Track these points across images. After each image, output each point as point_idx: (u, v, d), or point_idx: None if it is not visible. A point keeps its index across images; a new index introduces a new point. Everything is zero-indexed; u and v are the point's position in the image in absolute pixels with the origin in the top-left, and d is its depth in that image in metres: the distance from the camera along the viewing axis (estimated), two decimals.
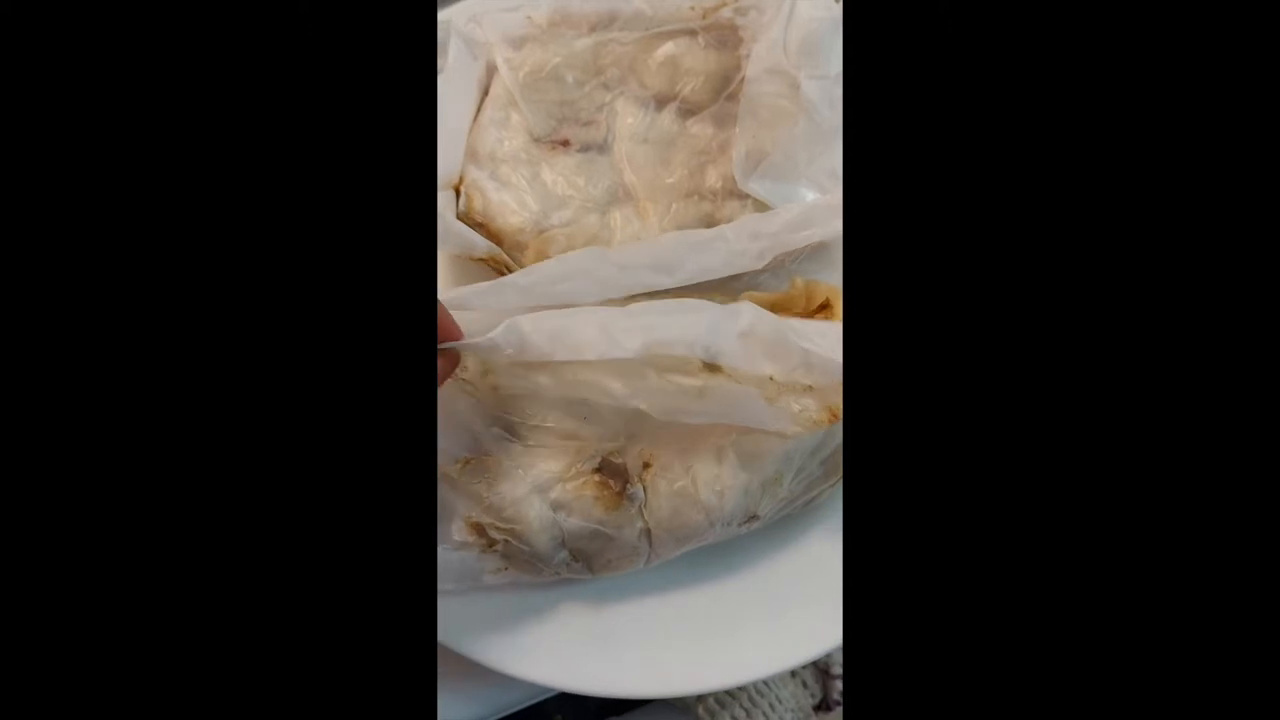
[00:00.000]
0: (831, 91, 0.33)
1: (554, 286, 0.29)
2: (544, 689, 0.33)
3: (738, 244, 0.30)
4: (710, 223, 0.33)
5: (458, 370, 0.29)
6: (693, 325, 0.27)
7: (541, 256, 0.34)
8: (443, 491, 0.29)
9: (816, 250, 0.33)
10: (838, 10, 0.33)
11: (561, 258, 0.29)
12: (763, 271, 0.32)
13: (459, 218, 0.34)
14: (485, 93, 0.35)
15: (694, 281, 0.30)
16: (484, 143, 0.34)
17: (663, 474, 0.29)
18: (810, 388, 0.28)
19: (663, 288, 0.30)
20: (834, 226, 0.30)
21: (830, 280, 0.32)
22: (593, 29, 0.35)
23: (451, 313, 0.25)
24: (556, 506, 0.28)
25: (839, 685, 0.39)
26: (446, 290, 0.30)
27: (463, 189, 0.34)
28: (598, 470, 0.29)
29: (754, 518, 0.30)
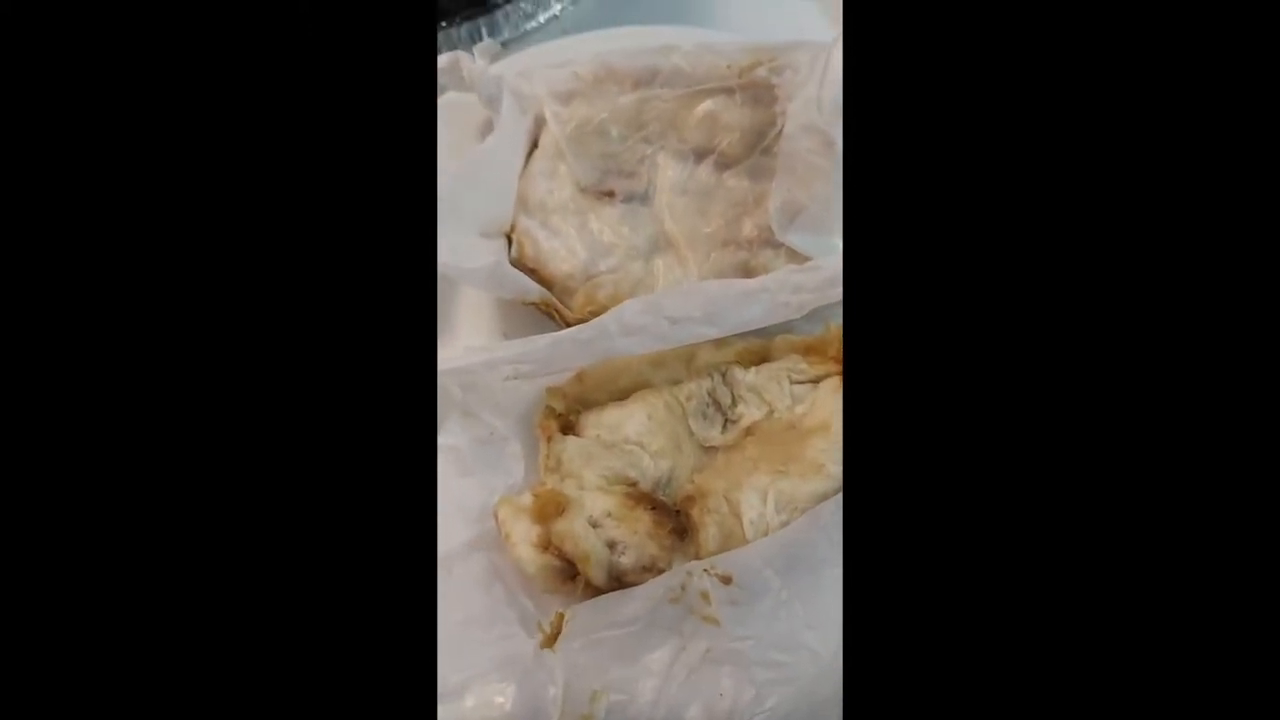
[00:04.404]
0: None
1: (612, 342, 0.31)
2: None
3: (781, 296, 0.32)
4: (746, 270, 0.36)
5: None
6: None
7: (590, 300, 0.36)
8: (504, 517, 0.30)
9: None
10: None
11: (615, 312, 0.31)
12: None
13: (511, 263, 0.36)
14: (534, 144, 0.37)
15: (738, 332, 0.32)
16: (534, 192, 0.36)
17: (711, 513, 0.31)
18: None
19: (707, 339, 0.32)
20: None
21: None
22: (636, 85, 0.37)
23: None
24: (611, 544, 0.30)
25: None
26: (509, 342, 0.32)
27: (514, 236, 0.36)
28: (652, 509, 0.31)
29: None
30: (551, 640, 0.27)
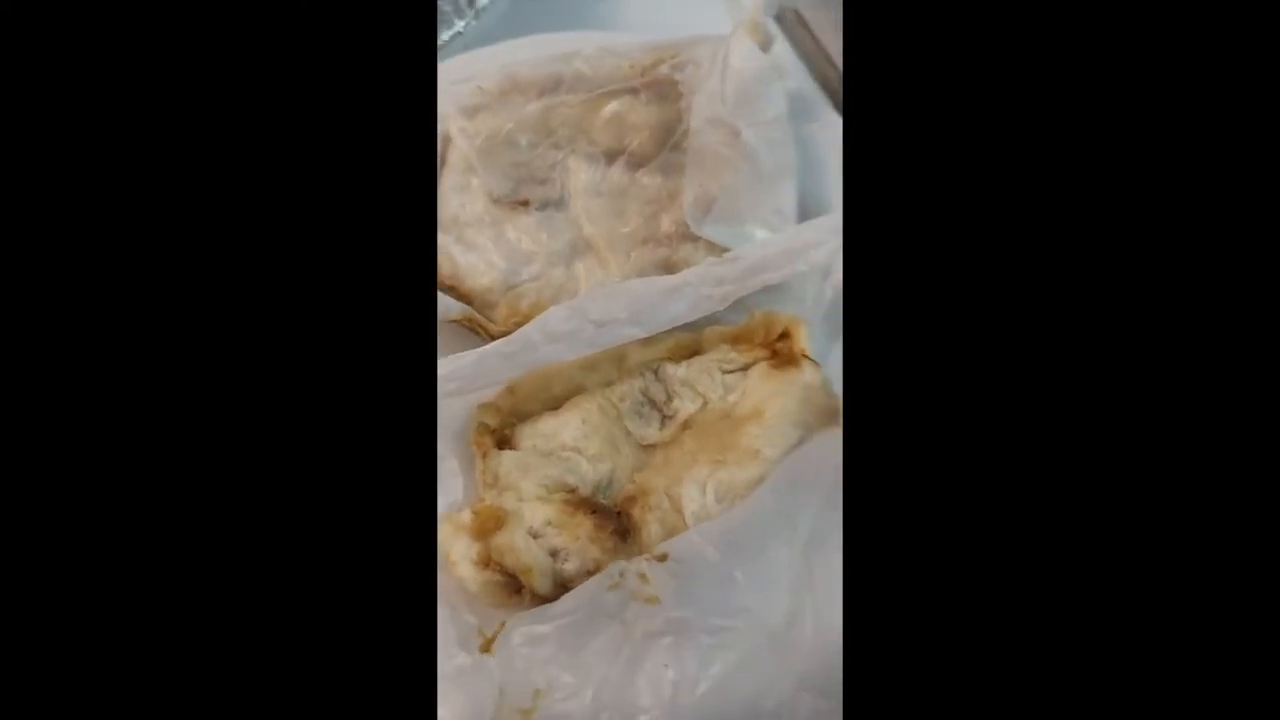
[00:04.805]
0: (769, 136, 0.36)
1: (537, 351, 0.31)
2: None
3: (703, 289, 0.32)
4: (668, 266, 0.36)
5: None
6: None
7: (513, 312, 0.35)
8: (444, 536, 0.30)
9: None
10: (768, 60, 0.36)
11: (539, 321, 0.31)
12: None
13: None
14: (442, 163, 0.37)
15: (664, 329, 0.32)
16: (447, 209, 0.36)
17: (653, 510, 0.31)
18: None
19: (635, 339, 0.32)
20: (792, 268, 0.33)
21: (785, 310, 0.35)
22: (541, 94, 0.37)
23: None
24: (554, 552, 0.30)
25: None
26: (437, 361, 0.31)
27: None
28: (592, 513, 0.31)
29: None
30: (489, 644, 0.27)
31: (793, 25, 0.46)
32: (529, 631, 0.27)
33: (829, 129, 0.39)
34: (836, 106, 0.41)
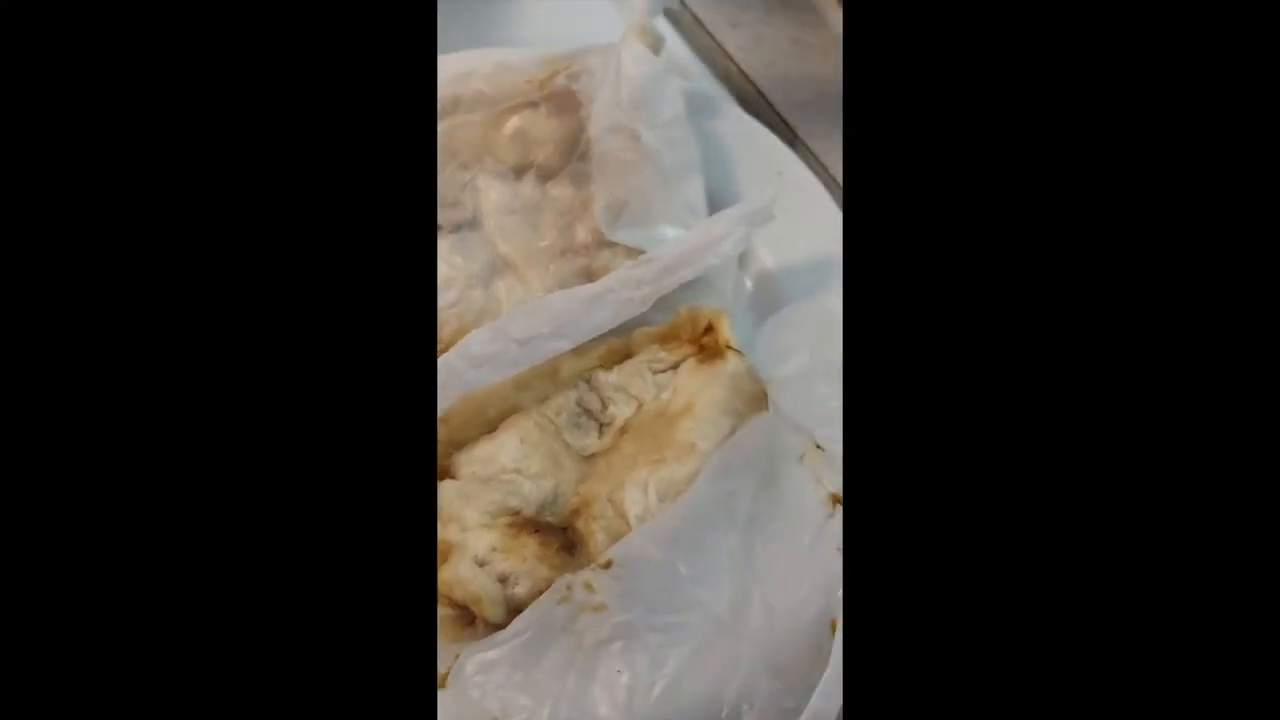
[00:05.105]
0: (670, 135, 0.36)
1: (462, 377, 0.30)
2: None
3: (624, 293, 0.32)
4: (588, 275, 0.36)
5: None
6: None
7: (437, 340, 0.35)
8: None
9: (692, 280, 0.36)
10: (660, 62, 0.36)
11: (461, 347, 0.31)
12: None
13: None
14: None
15: (590, 339, 0.32)
16: None
17: (596, 519, 0.31)
18: None
19: (563, 351, 0.32)
20: (705, 262, 0.33)
21: (707, 303, 0.35)
22: (441, 116, 0.36)
23: None
24: (503, 578, 0.30)
25: None
26: None
27: None
28: (536, 532, 0.31)
29: None
30: (443, 679, 0.27)
31: (689, 26, 0.47)
32: (481, 659, 0.27)
33: (731, 124, 0.39)
34: (740, 102, 0.42)
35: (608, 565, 0.28)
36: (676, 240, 0.34)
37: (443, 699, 0.26)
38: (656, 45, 0.36)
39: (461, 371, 0.31)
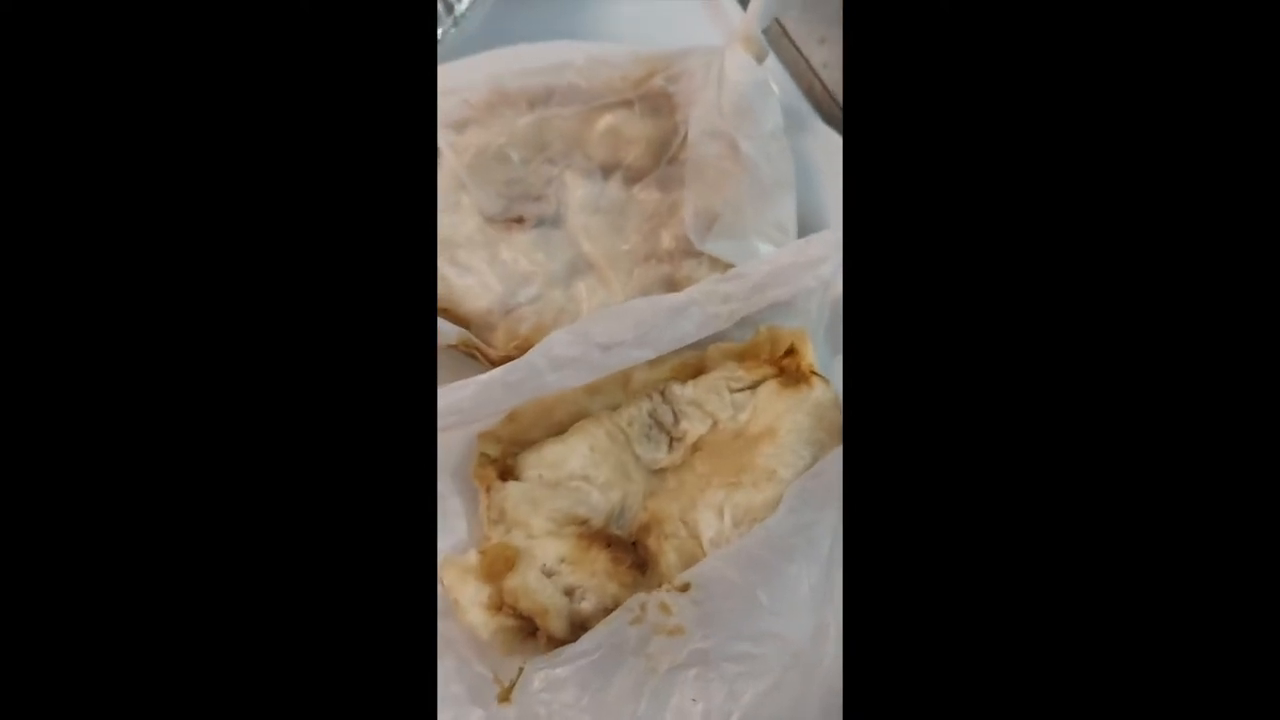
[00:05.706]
0: (768, 148, 0.35)
1: (543, 379, 0.29)
2: None
3: (710, 307, 0.31)
4: (671, 283, 0.35)
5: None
6: None
7: (513, 335, 0.34)
8: (450, 580, 0.28)
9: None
10: (763, 72, 0.35)
11: (543, 346, 0.30)
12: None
13: None
14: None
15: (671, 349, 0.31)
16: (438, 229, 0.34)
17: (669, 538, 0.30)
18: None
19: (643, 360, 0.31)
20: (798, 284, 0.32)
21: (791, 325, 0.34)
22: (531, 106, 0.35)
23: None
24: (570, 591, 0.29)
25: None
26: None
27: None
28: (607, 546, 0.29)
29: None
30: (508, 693, 0.25)
31: (777, 38, 0.46)
32: (549, 675, 0.26)
33: (819, 141, 0.38)
34: (824, 119, 0.41)
35: (685, 588, 0.27)
36: (768, 258, 0.33)
37: (507, 715, 0.25)
38: (761, 54, 0.35)
39: (543, 373, 0.29)
